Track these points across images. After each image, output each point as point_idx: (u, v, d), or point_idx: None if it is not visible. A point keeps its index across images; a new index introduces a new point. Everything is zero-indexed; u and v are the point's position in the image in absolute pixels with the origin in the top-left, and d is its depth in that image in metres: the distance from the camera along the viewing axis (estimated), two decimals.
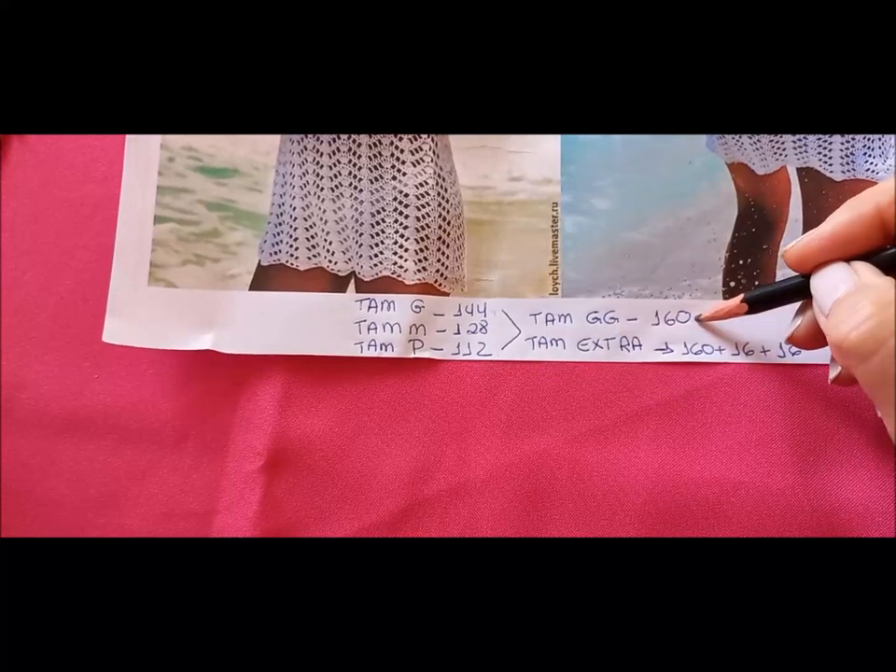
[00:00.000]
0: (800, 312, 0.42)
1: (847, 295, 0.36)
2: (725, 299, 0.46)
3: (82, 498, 0.46)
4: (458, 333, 0.47)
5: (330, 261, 0.47)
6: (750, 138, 0.47)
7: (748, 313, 0.43)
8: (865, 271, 0.37)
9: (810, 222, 0.46)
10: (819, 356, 0.44)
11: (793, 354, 0.45)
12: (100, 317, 0.46)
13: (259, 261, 0.47)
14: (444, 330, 0.47)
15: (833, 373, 0.41)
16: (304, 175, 0.48)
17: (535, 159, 0.47)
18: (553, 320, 0.46)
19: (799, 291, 0.40)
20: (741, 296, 0.43)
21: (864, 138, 0.47)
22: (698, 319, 0.46)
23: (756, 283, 0.46)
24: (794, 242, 0.39)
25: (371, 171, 0.48)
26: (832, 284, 0.37)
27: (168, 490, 0.46)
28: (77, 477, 0.46)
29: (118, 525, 0.46)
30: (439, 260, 0.47)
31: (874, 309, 0.34)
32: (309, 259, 0.47)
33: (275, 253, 0.47)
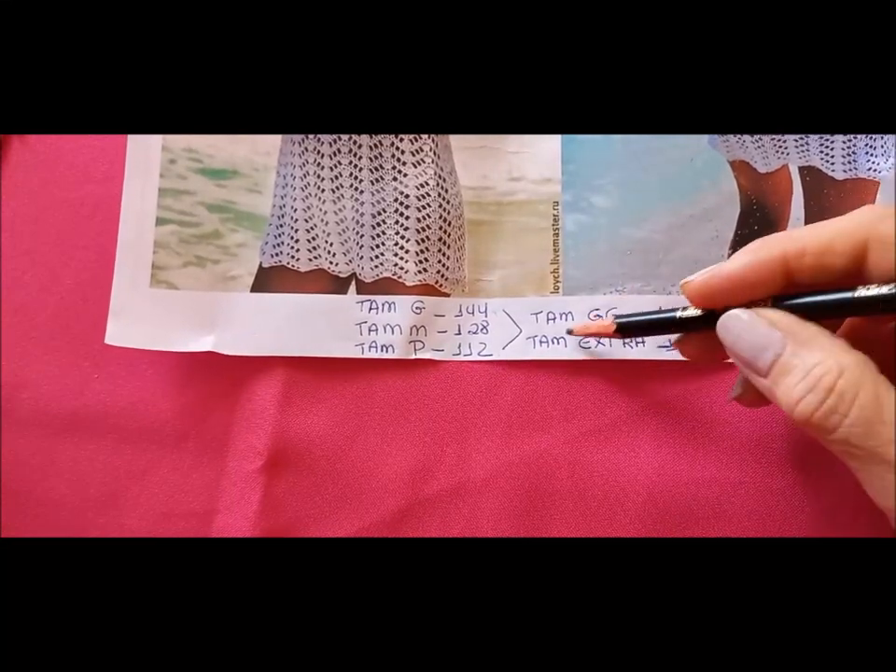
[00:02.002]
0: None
1: (789, 360, 0.34)
2: None
3: (82, 498, 0.46)
4: (459, 334, 0.47)
5: (331, 263, 0.47)
6: (752, 136, 0.47)
7: (617, 336, 0.43)
8: (788, 323, 0.35)
9: (812, 221, 0.45)
10: None
11: None
12: (100, 317, 0.46)
13: (260, 263, 0.47)
14: (445, 331, 0.47)
15: (735, 392, 0.41)
16: (305, 177, 0.48)
17: (535, 158, 0.47)
18: (554, 319, 0.46)
19: (673, 326, 0.40)
20: (612, 317, 0.43)
21: (866, 137, 0.46)
22: (569, 331, 0.46)
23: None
24: (694, 276, 0.38)
25: (372, 172, 0.48)
26: (756, 341, 0.36)
27: (168, 490, 0.46)
28: (77, 477, 0.46)
29: (118, 525, 0.46)
30: (439, 261, 0.47)
31: (829, 380, 0.33)
32: (310, 260, 0.47)
33: (276, 254, 0.47)
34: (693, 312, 0.39)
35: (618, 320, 0.42)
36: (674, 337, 0.42)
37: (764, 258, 0.36)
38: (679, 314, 0.39)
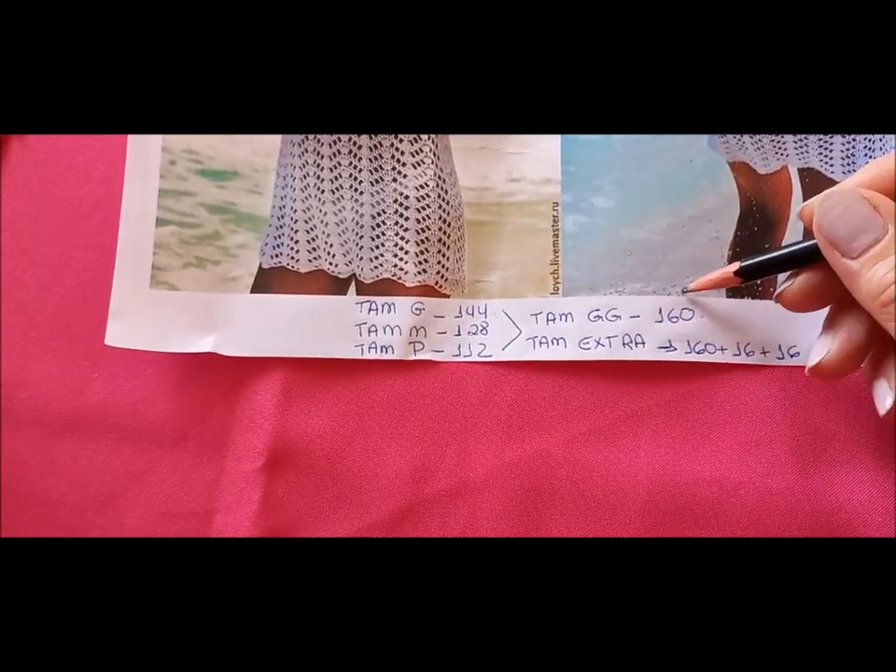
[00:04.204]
0: (794, 273, 0.41)
1: (889, 246, 0.35)
2: (728, 297, 0.45)
3: (82, 498, 0.46)
4: (459, 335, 0.47)
5: (331, 263, 0.47)
6: (751, 137, 0.47)
7: (738, 282, 0.43)
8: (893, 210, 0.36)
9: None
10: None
11: (792, 356, 0.45)
12: (100, 317, 0.46)
13: (260, 264, 0.47)
14: (445, 332, 0.47)
15: (886, 404, 0.39)
16: (305, 178, 0.48)
17: (535, 159, 0.47)
18: (553, 319, 0.46)
19: (796, 260, 0.40)
20: (733, 265, 0.42)
21: (865, 139, 0.47)
22: (685, 291, 0.45)
23: (758, 280, 0.46)
24: (812, 199, 0.38)
25: (372, 173, 0.48)
26: (858, 222, 0.36)
27: (168, 490, 0.46)
28: (77, 477, 0.46)
29: (117, 524, 0.46)
30: (439, 262, 0.47)
31: None
32: (310, 261, 0.47)
33: (276, 255, 0.47)
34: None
35: (742, 265, 0.42)
36: (783, 285, 0.41)
37: (885, 167, 0.37)
38: (803, 244, 0.40)
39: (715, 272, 0.44)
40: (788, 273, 0.41)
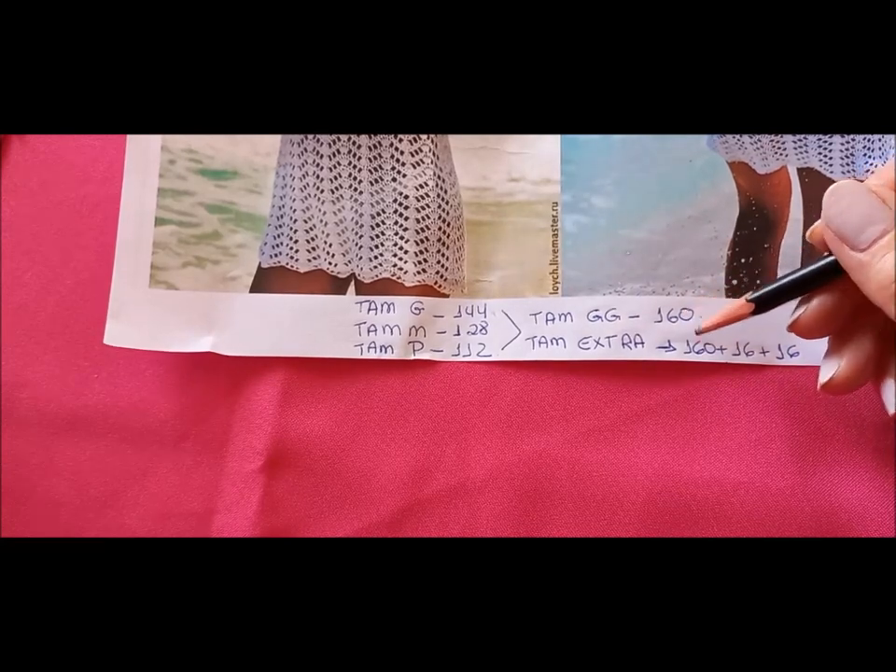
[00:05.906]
0: (805, 300, 0.40)
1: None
2: (728, 297, 0.45)
3: (82, 498, 0.46)
4: (458, 334, 0.47)
5: (330, 263, 0.47)
6: (751, 137, 0.47)
7: (755, 313, 0.41)
8: None
9: (811, 223, 0.44)
10: (818, 358, 0.43)
11: (792, 356, 0.45)
12: (100, 317, 0.46)
13: (260, 263, 0.47)
14: (444, 332, 0.47)
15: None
16: (304, 177, 0.48)
17: (534, 159, 0.47)
18: (553, 319, 0.46)
19: (807, 284, 0.40)
20: (744, 297, 0.42)
21: (864, 139, 0.47)
22: (698, 332, 0.43)
23: (758, 282, 0.46)
24: (819, 221, 0.38)
25: (371, 172, 0.48)
26: (866, 213, 0.36)
27: (168, 490, 0.46)
28: (77, 477, 0.46)
29: (118, 524, 0.46)
30: (438, 262, 0.47)
31: None
32: (309, 261, 0.47)
33: (275, 255, 0.47)
34: (826, 260, 0.39)
35: (754, 296, 0.41)
36: (796, 314, 0.40)
37: (887, 176, 0.37)
38: (812, 266, 0.40)
39: (726, 307, 0.42)
40: (799, 299, 0.41)
